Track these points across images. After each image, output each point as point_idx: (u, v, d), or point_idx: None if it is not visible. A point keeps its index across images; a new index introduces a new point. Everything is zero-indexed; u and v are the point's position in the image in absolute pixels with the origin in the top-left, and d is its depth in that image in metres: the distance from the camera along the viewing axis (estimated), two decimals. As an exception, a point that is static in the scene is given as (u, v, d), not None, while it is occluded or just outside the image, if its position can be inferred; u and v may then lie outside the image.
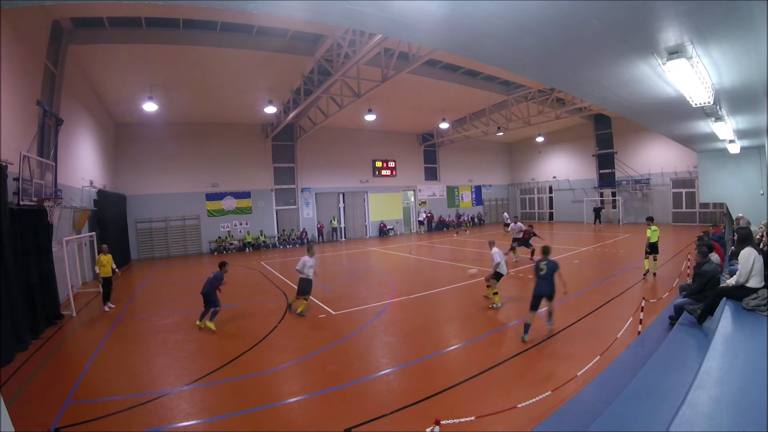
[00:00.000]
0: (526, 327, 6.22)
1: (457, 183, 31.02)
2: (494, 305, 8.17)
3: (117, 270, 9.68)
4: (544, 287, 6.29)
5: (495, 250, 8.39)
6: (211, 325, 7.46)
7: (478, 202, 32.20)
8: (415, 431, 3.86)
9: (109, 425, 4.29)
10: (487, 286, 8.57)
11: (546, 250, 6.65)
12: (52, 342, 7.24)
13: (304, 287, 8.36)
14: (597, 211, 26.89)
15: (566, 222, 28.82)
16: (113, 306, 9.65)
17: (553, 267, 6.37)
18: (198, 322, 7.63)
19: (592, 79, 6.06)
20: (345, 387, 4.89)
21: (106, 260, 9.54)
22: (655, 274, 10.27)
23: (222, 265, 7.83)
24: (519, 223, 14.17)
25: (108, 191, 15.63)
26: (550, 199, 31.15)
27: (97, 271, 9.51)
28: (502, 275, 8.27)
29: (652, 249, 10.16)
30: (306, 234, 23.59)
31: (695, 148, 15.20)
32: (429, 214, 28.67)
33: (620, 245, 16.55)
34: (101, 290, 9.61)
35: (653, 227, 10.31)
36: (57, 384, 5.37)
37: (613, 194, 27.22)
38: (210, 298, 7.53)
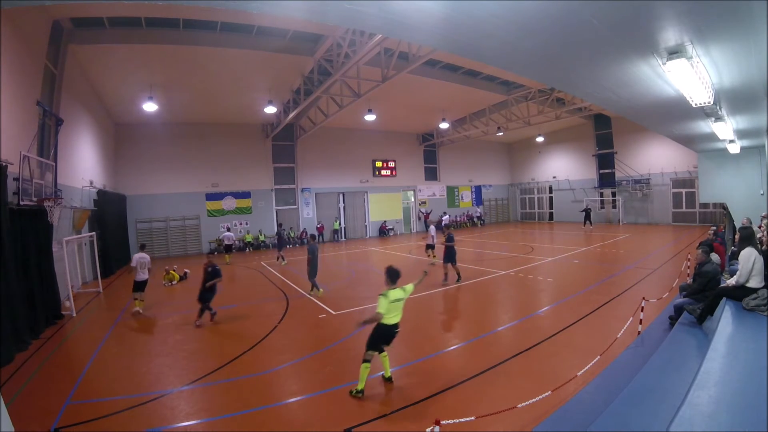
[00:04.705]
0: None
1: (457, 183, 31.01)
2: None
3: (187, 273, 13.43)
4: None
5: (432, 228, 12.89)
6: None
7: (478, 202, 32.20)
8: (415, 431, 3.86)
9: (109, 425, 4.28)
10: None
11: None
12: (52, 342, 7.23)
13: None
14: (587, 213, 24.68)
15: (566, 222, 28.81)
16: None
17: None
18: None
19: (592, 79, 6.07)
20: (345, 387, 4.89)
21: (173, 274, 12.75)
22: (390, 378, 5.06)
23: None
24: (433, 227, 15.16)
25: (108, 191, 15.61)
26: (550, 199, 31.15)
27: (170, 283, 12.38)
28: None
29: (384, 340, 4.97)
30: (306, 234, 23.55)
31: (695, 148, 15.21)
32: (425, 214, 28.59)
33: (620, 245, 16.55)
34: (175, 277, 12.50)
35: (390, 292, 4.76)
36: (57, 384, 5.37)
37: (613, 194, 27.17)
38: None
